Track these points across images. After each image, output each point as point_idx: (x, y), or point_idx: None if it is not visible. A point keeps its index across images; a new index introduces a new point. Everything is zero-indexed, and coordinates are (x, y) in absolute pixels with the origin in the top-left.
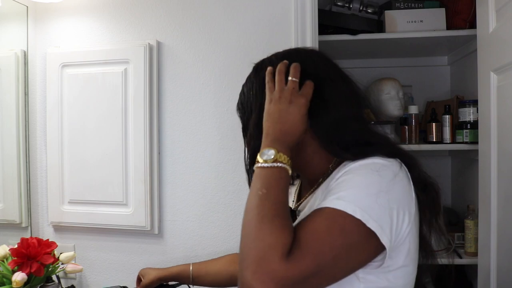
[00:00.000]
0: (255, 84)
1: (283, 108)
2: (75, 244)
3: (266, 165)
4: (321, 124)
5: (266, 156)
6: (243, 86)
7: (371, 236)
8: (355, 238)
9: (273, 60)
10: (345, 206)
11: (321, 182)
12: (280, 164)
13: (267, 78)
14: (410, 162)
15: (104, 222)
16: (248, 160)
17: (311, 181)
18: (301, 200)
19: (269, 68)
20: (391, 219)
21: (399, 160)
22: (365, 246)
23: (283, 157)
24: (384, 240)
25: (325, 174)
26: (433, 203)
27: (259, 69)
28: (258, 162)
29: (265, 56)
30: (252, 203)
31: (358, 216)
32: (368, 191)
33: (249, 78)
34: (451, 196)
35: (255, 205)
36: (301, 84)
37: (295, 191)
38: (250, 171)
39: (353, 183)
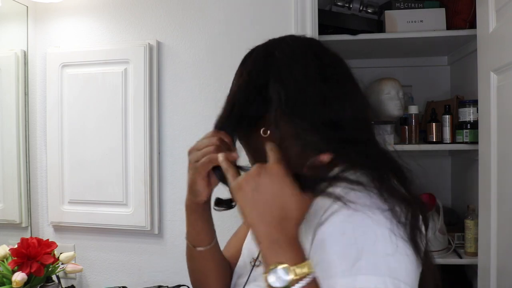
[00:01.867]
0: (237, 74)
1: (254, 197)
2: (75, 244)
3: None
4: (288, 133)
5: (277, 281)
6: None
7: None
8: None
9: (256, 50)
10: (376, 283)
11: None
12: (303, 282)
13: (224, 166)
14: (398, 175)
15: (104, 222)
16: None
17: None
18: None
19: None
20: (412, 266)
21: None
22: None
23: (302, 266)
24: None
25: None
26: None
27: (243, 62)
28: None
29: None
30: None
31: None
32: (385, 249)
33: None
34: (451, 196)
35: None
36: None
37: None
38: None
39: (363, 242)
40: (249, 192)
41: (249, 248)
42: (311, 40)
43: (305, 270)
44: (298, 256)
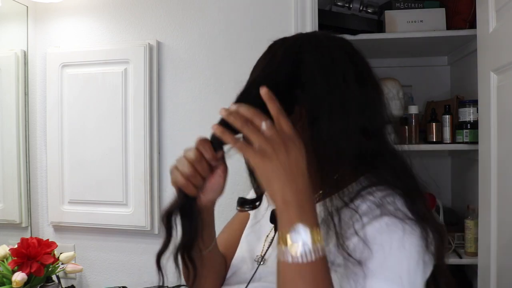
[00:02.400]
0: (260, 65)
1: (284, 160)
2: (75, 244)
3: (305, 258)
4: (322, 134)
5: (300, 239)
6: (255, 65)
7: None
8: None
9: (286, 43)
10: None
11: (327, 196)
12: (319, 252)
13: (243, 127)
14: (422, 197)
15: (104, 222)
16: None
17: None
18: None
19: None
20: (425, 277)
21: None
22: None
23: (319, 233)
24: None
25: (328, 187)
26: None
27: (270, 50)
28: (287, 252)
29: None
30: None
31: None
32: (409, 264)
33: (260, 57)
34: (451, 196)
35: None
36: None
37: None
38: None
39: (394, 253)
40: (280, 157)
41: (250, 242)
42: (344, 40)
43: (320, 238)
44: (316, 221)
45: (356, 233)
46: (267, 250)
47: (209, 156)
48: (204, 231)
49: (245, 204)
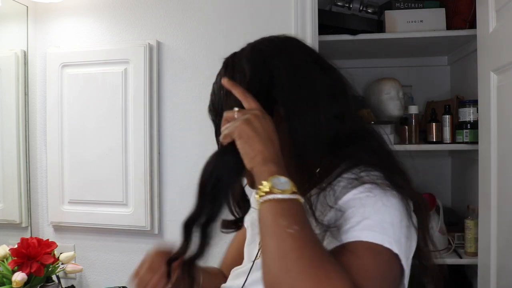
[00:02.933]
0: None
1: (265, 124)
2: (75, 244)
3: (286, 196)
4: (297, 127)
5: (281, 185)
6: (214, 84)
7: (401, 271)
8: (394, 272)
9: (245, 52)
10: (382, 240)
11: (309, 189)
12: (298, 196)
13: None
14: (403, 174)
15: (104, 222)
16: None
17: None
18: None
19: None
20: (410, 250)
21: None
22: (397, 279)
23: (295, 187)
24: (406, 274)
25: (315, 178)
26: (425, 215)
27: (230, 65)
28: (271, 192)
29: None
30: (285, 245)
31: (395, 250)
32: (392, 219)
33: (218, 75)
34: (451, 196)
35: (292, 246)
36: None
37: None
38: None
39: (373, 208)
40: (256, 123)
41: (250, 251)
42: (292, 37)
43: (296, 189)
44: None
45: (330, 206)
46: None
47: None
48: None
49: (229, 226)
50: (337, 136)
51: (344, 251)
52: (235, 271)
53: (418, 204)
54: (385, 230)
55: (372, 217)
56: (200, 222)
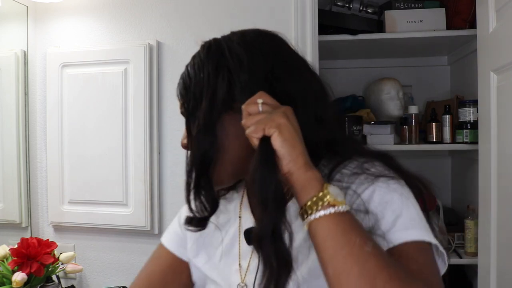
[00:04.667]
0: (208, 66)
1: (291, 126)
2: (75, 244)
3: (347, 208)
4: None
5: (339, 195)
6: (187, 66)
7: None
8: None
9: (235, 39)
10: (422, 235)
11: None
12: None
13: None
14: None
15: (104, 222)
16: (195, 162)
17: None
18: None
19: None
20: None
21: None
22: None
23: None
24: (440, 247)
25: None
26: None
27: (213, 50)
28: (333, 204)
29: None
30: (371, 266)
31: (433, 241)
32: (416, 209)
33: (197, 58)
34: (451, 196)
35: (379, 267)
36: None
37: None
38: (199, 181)
39: (399, 203)
40: (295, 123)
41: (222, 271)
42: (275, 35)
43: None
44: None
45: (353, 207)
46: (255, 276)
47: None
48: None
49: (195, 225)
50: (317, 140)
51: (396, 257)
52: None
53: (419, 188)
54: (418, 224)
55: (403, 213)
56: (273, 237)
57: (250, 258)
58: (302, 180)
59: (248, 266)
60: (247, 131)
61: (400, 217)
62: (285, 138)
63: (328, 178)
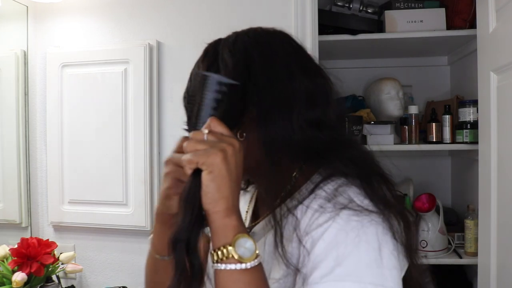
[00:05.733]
0: (202, 69)
1: (238, 161)
2: (75, 244)
3: (251, 265)
4: (268, 129)
5: (247, 251)
6: (191, 71)
7: None
8: None
9: (229, 40)
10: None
11: (280, 203)
12: (260, 259)
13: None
14: (384, 181)
15: (104, 222)
16: None
17: (267, 194)
18: (259, 220)
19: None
20: (402, 268)
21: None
22: None
23: (257, 246)
24: None
25: (286, 191)
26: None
27: (211, 52)
28: (237, 260)
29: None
30: None
31: None
32: (369, 257)
33: (197, 62)
34: (451, 196)
35: None
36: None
37: (249, 202)
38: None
39: (348, 249)
40: (232, 164)
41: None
42: (284, 33)
43: (256, 246)
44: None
45: (299, 238)
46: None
47: None
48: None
49: None
50: (312, 143)
51: None
52: None
53: (403, 217)
54: (361, 276)
55: (346, 261)
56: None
57: None
58: (217, 225)
59: None
60: (183, 157)
61: (339, 266)
62: (213, 178)
63: (303, 199)
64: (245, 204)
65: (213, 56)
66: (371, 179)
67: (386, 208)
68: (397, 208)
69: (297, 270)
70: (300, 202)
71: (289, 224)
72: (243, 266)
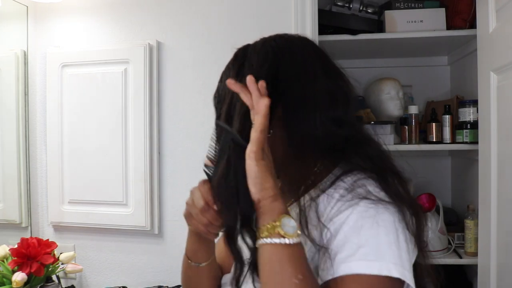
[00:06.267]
0: (232, 71)
1: (269, 160)
2: (75, 244)
3: (294, 241)
4: (294, 125)
5: (291, 228)
6: (222, 73)
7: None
8: None
9: (257, 45)
10: (380, 268)
11: (304, 192)
12: (301, 239)
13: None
14: (398, 178)
15: (104, 222)
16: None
17: (291, 185)
18: None
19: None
20: (413, 257)
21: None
22: None
23: (299, 228)
24: (411, 283)
25: (309, 182)
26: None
27: (240, 56)
28: (280, 235)
29: None
30: None
31: (395, 274)
32: (389, 238)
33: (227, 65)
34: (451, 196)
35: None
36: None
37: None
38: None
39: (369, 231)
40: (267, 158)
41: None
42: (307, 39)
43: (299, 227)
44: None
45: (323, 224)
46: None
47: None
48: (203, 246)
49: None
50: (334, 140)
51: (342, 286)
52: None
53: (414, 210)
54: (383, 255)
55: (368, 242)
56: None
57: None
58: (266, 209)
59: None
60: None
61: (362, 247)
62: (263, 164)
63: (324, 189)
64: None
65: (242, 59)
66: (386, 175)
67: (399, 201)
68: (409, 201)
69: (323, 248)
70: (323, 192)
71: (313, 211)
72: (287, 241)
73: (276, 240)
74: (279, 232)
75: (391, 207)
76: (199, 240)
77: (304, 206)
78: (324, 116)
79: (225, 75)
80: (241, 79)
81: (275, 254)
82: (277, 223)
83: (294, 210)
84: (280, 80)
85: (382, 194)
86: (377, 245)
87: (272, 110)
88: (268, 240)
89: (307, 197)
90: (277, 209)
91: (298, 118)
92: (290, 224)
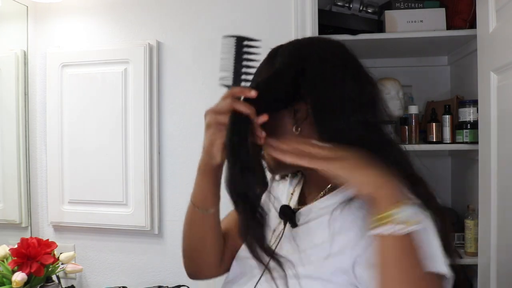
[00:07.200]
0: (264, 71)
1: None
2: (75, 244)
3: (416, 228)
4: (324, 125)
5: (415, 215)
6: (254, 74)
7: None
8: None
9: (289, 45)
10: (440, 267)
11: (333, 188)
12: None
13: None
14: (424, 183)
15: (104, 222)
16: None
17: (318, 180)
18: (307, 204)
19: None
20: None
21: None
22: None
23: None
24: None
25: (336, 183)
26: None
27: (272, 55)
28: (404, 223)
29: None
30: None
31: (448, 275)
32: (437, 240)
33: (261, 64)
34: (451, 196)
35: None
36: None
37: (296, 186)
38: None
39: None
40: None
41: None
42: (339, 43)
43: None
44: None
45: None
46: (277, 244)
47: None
48: (210, 190)
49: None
50: (360, 141)
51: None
52: (239, 261)
53: (441, 217)
54: (440, 257)
55: (431, 244)
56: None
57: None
58: (383, 203)
59: (274, 232)
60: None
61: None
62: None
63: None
64: (285, 187)
65: (273, 57)
66: (412, 178)
67: (430, 206)
68: (436, 206)
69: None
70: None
71: (348, 213)
72: (410, 228)
73: (403, 230)
74: (401, 221)
75: (427, 213)
76: (209, 183)
77: (331, 206)
78: (351, 119)
79: (256, 76)
80: (275, 69)
81: (399, 245)
82: (399, 209)
83: (319, 209)
84: (308, 80)
85: (414, 198)
86: (436, 247)
87: (298, 107)
88: (390, 230)
89: (334, 197)
90: (392, 199)
91: (326, 119)
92: (407, 210)
